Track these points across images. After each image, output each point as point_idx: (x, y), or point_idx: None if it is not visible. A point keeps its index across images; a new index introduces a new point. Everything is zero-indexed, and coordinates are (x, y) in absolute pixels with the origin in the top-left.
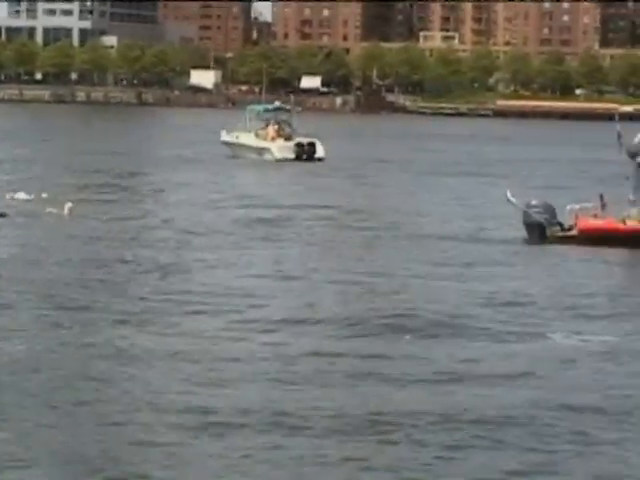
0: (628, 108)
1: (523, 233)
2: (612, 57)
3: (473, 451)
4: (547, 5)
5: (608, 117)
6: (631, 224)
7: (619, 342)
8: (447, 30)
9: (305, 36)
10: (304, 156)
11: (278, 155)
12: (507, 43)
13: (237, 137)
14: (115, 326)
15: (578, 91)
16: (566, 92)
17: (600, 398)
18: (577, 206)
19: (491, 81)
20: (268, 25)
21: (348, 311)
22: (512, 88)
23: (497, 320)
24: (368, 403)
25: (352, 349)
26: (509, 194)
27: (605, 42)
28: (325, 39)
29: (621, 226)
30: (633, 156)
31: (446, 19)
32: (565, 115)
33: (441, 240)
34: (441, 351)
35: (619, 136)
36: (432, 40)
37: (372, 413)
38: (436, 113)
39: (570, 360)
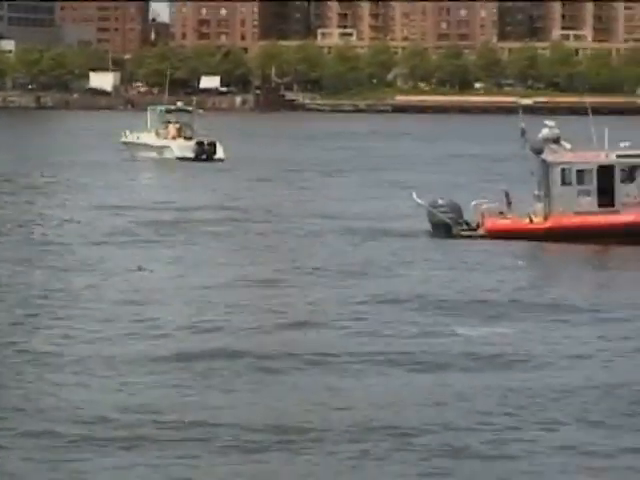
0: (527, 101)
1: (427, 229)
2: (510, 50)
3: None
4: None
5: (507, 110)
6: (537, 221)
7: (517, 337)
8: (345, 27)
9: (203, 36)
10: (204, 155)
11: (178, 153)
12: (405, 38)
13: (138, 137)
14: None
15: (477, 85)
16: (465, 86)
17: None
18: (482, 202)
19: (389, 77)
20: (166, 26)
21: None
22: (411, 83)
23: (398, 316)
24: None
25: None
26: (414, 195)
27: (503, 35)
28: (223, 38)
29: (528, 225)
30: (538, 152)
31: (343, 16)
32: (464, 109)
33: (342, 236)
34: (346, 342)
35: (523, 132)
36: (330, 37)
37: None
38: (335, 110)
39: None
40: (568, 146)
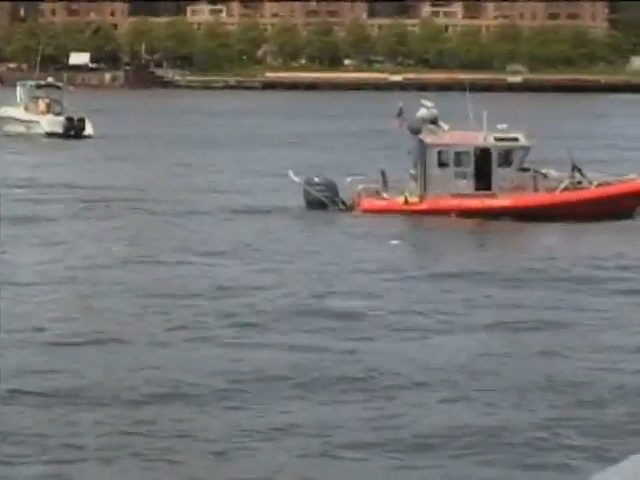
0: (397, 78)
1: (303, 207)
2: (380, 27)
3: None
4: None
5: (377, 87)
6: (413, 202)
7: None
8: (215, 3)
9: (73, 12)
10: (73, 131)
11: (47, 128)
12: (275, 15)
13: (6, 111)
14: None
15: (347, 61)
16: (335, 63)
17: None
18: (358, 180)
19: (259, 54)
20: (35, 2)
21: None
22: (280, 60)
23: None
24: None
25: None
26: (291, 173)
27: (373, 12)
28: (93, 15)
29: (403, 206)
30: (415, 132)
31: None
32: (335, 86)
33: (211, 215)
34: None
35: (400, 111)
36: (200, 14)
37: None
38: (205, 87)
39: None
40: (446, 127)
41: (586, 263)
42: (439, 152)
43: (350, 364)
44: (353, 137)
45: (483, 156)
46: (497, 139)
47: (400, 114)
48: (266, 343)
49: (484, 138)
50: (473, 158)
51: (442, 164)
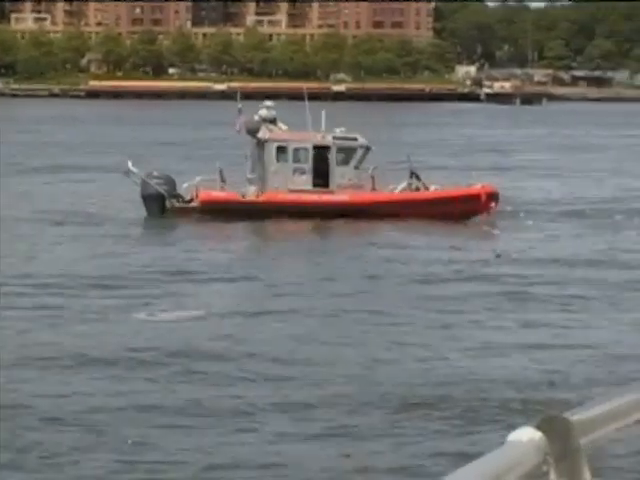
0: (221, 86)
1: (143, 212)
2: (204, 36)
3: None
4: None
5: (202, 96)
6: (250, 198)
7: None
8: (39, 12)
9: None
10: None
11: None
12: (99, 24)
13: None
14: None
15: (171, 70)
16: (159, 71)
17: None
18: (198, 178)
19: (83, 62)
20: None
21: None
22: (105, 69)
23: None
24: None
25: None
26: (130, 164)
27: (197, 21)
28: None
29: (241, 198)
30: (254, 132)
31: (37, 1)
32: (160, 94)
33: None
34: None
35: (240, 112)
36: (24, 22)
37: None
38: (29, 95)
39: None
40: (284, 127)
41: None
42: (278, 147)
43: None
44: (191, 145)
45: (322, 153)
46: (336, 138)
47: (240, 115)
48: None
49: (322, 136)
50: (312, 155)
51: (280, 160)
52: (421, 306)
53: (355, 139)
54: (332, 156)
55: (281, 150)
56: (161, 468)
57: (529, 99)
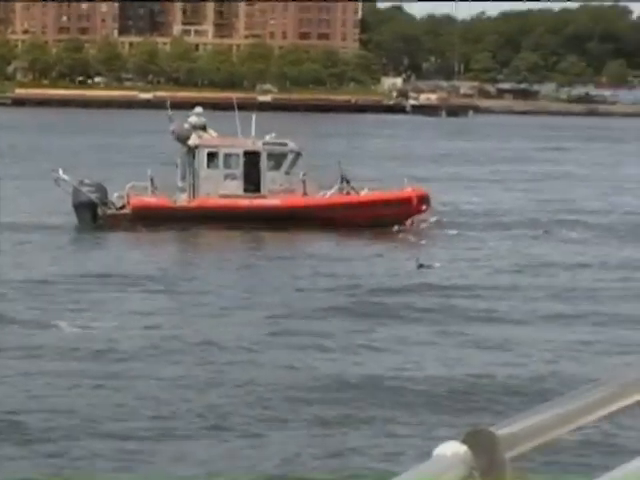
0: (147, 95)
1: (74, 218)
2: (131, 45)
3: None
4: None
5: (128, 105)
6: (182, 204)
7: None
8: None
9: None
10: None
11: None
12: (25, 32)
13: None
14: None
15: (97, 79)
16: (85, 80)
17: None
18: (129, 185)
19: (10, 70)
20: None
21: None
22: (31, 77)
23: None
24: None
25: None
26: (61, 171)
27: (124, 30)
28: None
29: (172, 204)
30: (184, 140)
31: None
32: (86, 103)
33: None
34: None
35: (171, 119)
36: None
37: None
38: None
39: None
40: (214, 134)
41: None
42: (209, 153)
43: None
44: (121, 151)
45: (252, 159)
46: (266, 143)
47: (171, 122)
48: None
49: (253, 142)
50: (242, 160)
51: (211, 166)
52: (337, 315)
53: (285, 144)
54: (263, 161)
55: (212, 156)
56: None
57: (455, 111)
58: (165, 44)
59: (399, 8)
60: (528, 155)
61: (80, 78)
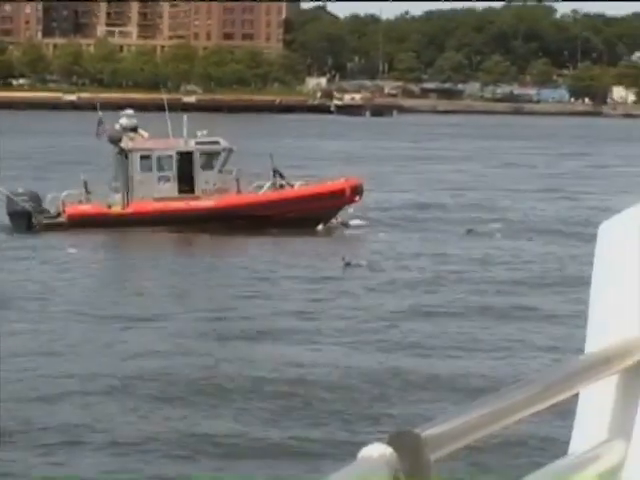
0: (71, 97)
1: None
2: (55, 46)
3: None
4: None
5: (52, 106)
6: (116, 209)
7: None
8: None
9: None
10: None
11: None
12: None
13: None
14: None
15: (21, 80)
16: (9, 82)
17: None
18: (64, 193)
19: None
20: None
21: None
22: None
23: None
24: None
25: None
26: None
27: (48, 32)
28: None
29: (108, 210)
30: (116, 142)
31: None
32: (9, 105)
33: None
34: None
35: (100, 122)
36: None
37: None
38: None
39: None
40: (146, 134)
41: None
42: (142, 157)
43: None
44: (54, 153)
45: (186, 159)
46: (199, 143)
47: (100, 124)
48: None
49: (185, 142)
50: (176, 162)
51: (145, 169)
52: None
53: (217, 142)
54: (196, 161)
55: (145, 159)
56: None
57: (379, 111)
58: (89, 46)
59: (323, 8)
60: (451, 154)
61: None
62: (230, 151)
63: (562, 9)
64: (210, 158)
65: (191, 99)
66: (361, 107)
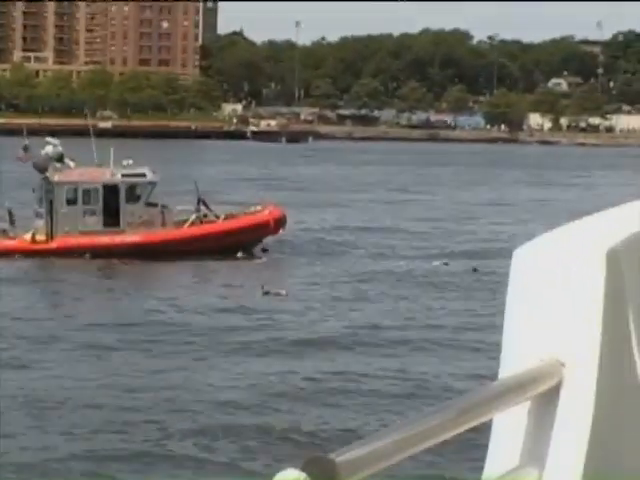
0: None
1: None
2: None
3: None
4: None
5: None
6: (41, 240)
7: None
8: None
9: None
10: None
11: None
12: None
13: None
14: None
15: None
16: None
17: None
18: None
19: None
20: None
21: None
22: None
23: None
24: None
25: None
26: None
27: None
28: None
29: (34, 245)
30: (41, 169)
31: None
32: None
33: None
34: None
35: (26, 148)
36: None
37: None
38: None
39: None
40: (72, 164)
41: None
42: (68, 190)
43: None
44: None
45: (111, 192)
46: (124, 175)
47: (26, 149)
48: None
49: (111, 174)
50: (101, 195)
51: (70, 202)
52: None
53: (144, 175)
54: (122, 195)
55: (71, 192)
56: None
57: (295, 137)
58: (5, 71)
59: (239, 33)
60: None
61: None
62: (154, 184)
63: (478, 35)
64: (135, 191)
65: (107, 124)
66: (277, 133)
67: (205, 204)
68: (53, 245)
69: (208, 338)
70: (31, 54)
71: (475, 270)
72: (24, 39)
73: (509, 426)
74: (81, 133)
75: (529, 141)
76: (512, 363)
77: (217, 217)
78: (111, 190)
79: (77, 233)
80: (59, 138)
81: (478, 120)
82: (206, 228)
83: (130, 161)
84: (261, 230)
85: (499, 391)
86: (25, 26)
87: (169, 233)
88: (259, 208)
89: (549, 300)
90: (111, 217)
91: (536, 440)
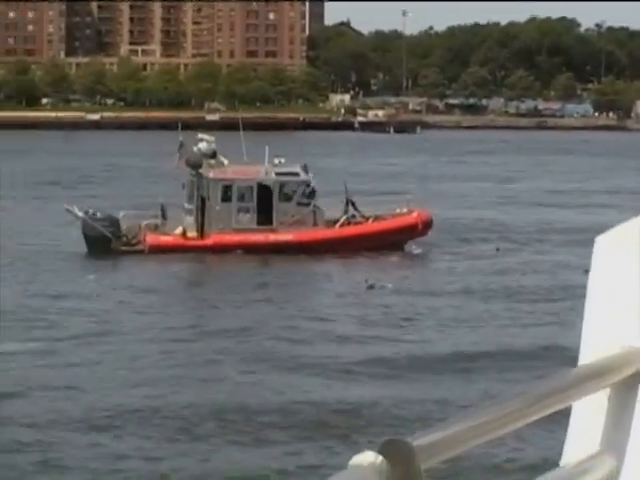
0: (94, 116)
1: (83, 247)
2: (78, 65)
3: None
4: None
5: (75, 125)
6: (192, 236)
7: None
8: None
9: None
10: None
11: None
12: None
13: None
14: None
15: (44, 100)
16: (32, 102)
17: None
18: (132, 215)
19: None
20: None
21: None
22: None
23: None
24: None
25: None
26: (75, 207)
27: (71, 51)
28: None
29: (190, 242)
30: (195, 166)
31: None
32: (33, 125)
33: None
34: None
35: (181, 145)
36: None
37: None
38: None
39: None
40: (226, 161)
41: None
42: (223, 187)
43: None
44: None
45: (265, 191)
46: (278, 174)
47: (181, 148)
48: None
49: (266, 173)
50: (256, 193)
51: (225, 199)
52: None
53: (297, 174)
54: (275, 193)
55: (226, 189)
56: None
57: (403, 127)
58: (112, 64)
59: (346, 24)
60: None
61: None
62: (308, 184)
63: (586, 23)
64: (289, 190)
65: (215, 117)
66: (385, 124)
67: (354, 205)
68: (209, 242)
69: None
70: (138, 47)
71: (498, 249)
72: (131, 33)
73: (588, 413)
74: (189, 126)
75: (638, 128)
76: (592, 351)
77: (366, 218)
78: (265, 188)
79: (230, 230)
80: (168, 131)
81: (587, 108)
82: (357, 229)
83: (282, 159)
84: (409, 232)
85: (578, 378)
86: (132, 19)
87: (321, 233)
88: (405, 210)
89: (630, 288)
90: (264, 215)
91: (615, 428)
